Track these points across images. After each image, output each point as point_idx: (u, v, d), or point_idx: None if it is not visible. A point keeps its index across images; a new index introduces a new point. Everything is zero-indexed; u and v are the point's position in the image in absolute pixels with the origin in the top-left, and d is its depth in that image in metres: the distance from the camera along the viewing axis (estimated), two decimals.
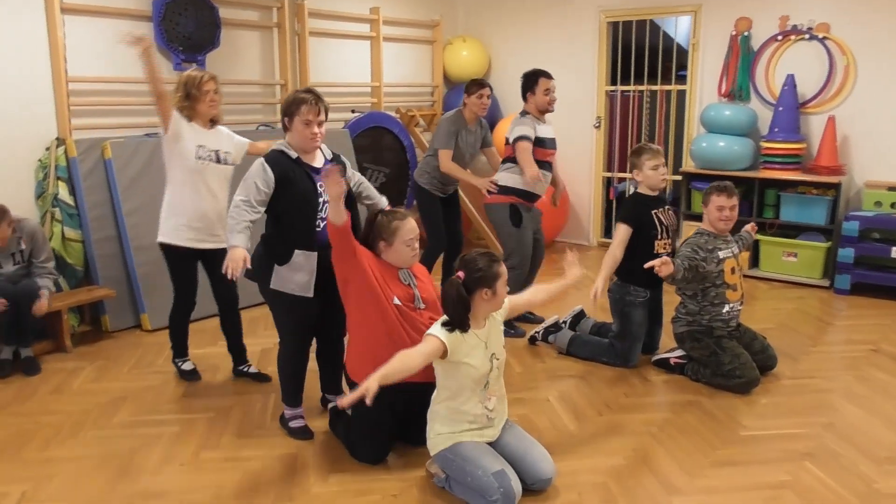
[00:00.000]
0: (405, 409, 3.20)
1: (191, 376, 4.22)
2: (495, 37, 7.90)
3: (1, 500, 2.96)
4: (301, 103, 3.25)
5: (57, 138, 4.96)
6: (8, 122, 4.75)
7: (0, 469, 3.21)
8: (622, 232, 4.24)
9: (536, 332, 4.69)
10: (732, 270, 4.03)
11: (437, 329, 2.87)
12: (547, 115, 4.90)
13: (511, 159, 4.71)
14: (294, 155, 3.30)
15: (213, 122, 4.03)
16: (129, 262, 5.05)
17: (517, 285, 4.73)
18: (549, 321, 4.69)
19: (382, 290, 3.13)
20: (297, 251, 3.29)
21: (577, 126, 7.50)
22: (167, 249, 4.04)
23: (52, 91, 4.92)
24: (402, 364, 2.76)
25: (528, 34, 7.69)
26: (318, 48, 6.59)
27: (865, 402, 3.83)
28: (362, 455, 3.24)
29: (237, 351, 4.27)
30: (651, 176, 4.27)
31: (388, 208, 3.45)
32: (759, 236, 6.25)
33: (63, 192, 4.91)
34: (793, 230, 6.19)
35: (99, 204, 5.00)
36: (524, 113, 4.79)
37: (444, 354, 2.84)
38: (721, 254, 3.99)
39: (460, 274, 2.87)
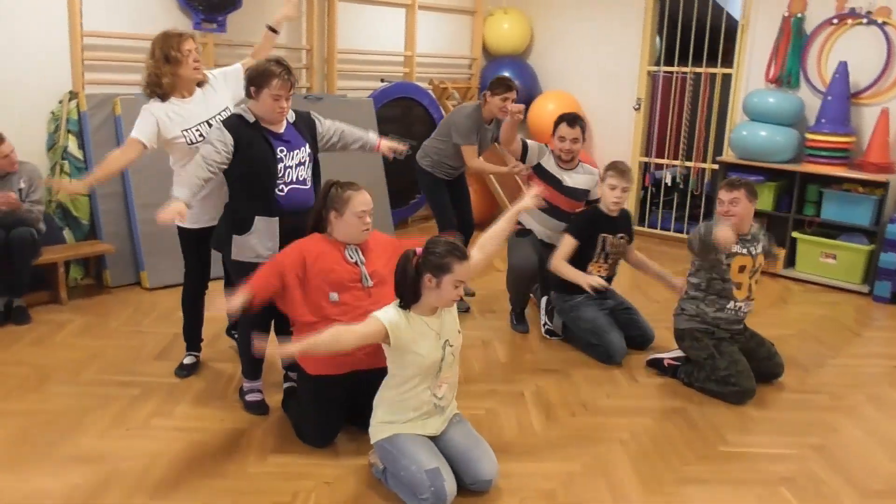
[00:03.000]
0: (358, 392, 3.06)
1: (184, 371, 3.79)
2: (539, 10, 7.58)
3: None
4: (272, 76, 3.13)
5: (70, 91, 4.96)
6: (24, 73, 4.76)
7: None
8: (566, 243, 4.10)
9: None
10: (741, 269, 3.74)
11: (384, 311, 2.71)
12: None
13: None
14: (252, 119, 3.21)
15: (199, 86, 3.56)
16: (133, 219, 5.04)
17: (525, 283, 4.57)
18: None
19: (316, 292, 3.01)
20: (257, 217, 3.20)
21: (616, 107, 7.16)
22: (179, 231, 3.68)
23: (69, 44, 4.91)
24: (334, 339, 2.64)
25: (573, 8, 7.35)
26: (349, 14, 6.43)
27: (870, 424, 3.50)
28: (307, 437, 3.13)
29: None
30: (606, 194, 4.10)
31: (346, 182, 3.31)
32: (796, 234, 5.86)
33: (72, 146, 4.92)
34: (834, 230, 5.76)
35: None
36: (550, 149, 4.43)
37: (385, 339, 2.67)
38: (735, 248, 3.69)
39: (419, 250, 2.69)
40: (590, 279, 3.97)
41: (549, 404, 3.57)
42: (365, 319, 2.75)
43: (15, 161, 4.33)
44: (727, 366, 3.62)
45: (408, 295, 2.70)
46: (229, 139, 3.13)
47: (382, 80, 6.68)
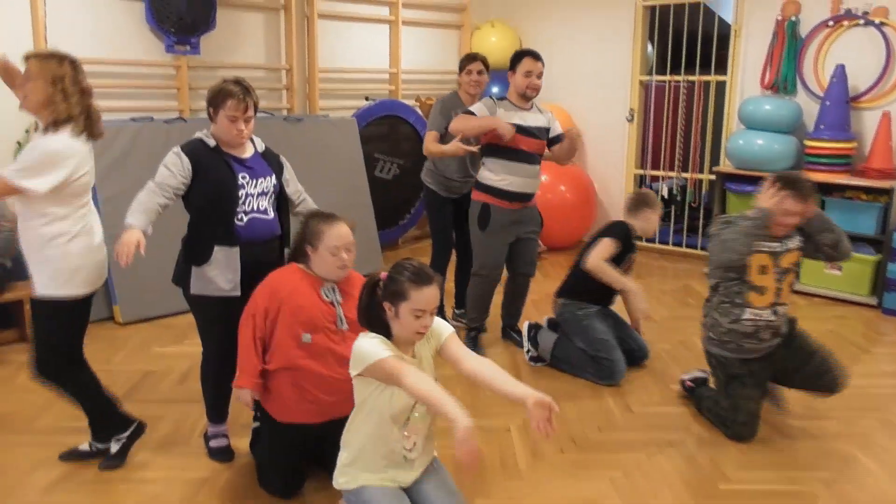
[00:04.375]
0: (328, 436, 2.83)
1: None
2: (527, 22, 7.40)
3: None
4: (227, 97, 2.92)
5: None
6: None
7: None
8: (608, 246, 3.94)
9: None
10: (763, 269, 3.24)
11: (368, 338, 2.35)
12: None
13: (488, 151, 4.18)
14: (212, 143, 3.00)
15: None
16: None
17: (484, 294, 4.34)
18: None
19: (286, 332, 2.78)
20: (216, 247, 2.97)
21: (608, 118, 6.95)
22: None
23: None
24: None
25: (561, 20, 7.16)
26: (330, 31, 6.25)
27: (885, 455, 3.24)
28: (269, 485, 2.89)
29: None
30: (648, 229, 4.17)
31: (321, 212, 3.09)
32: None
33: None
34: None
35: None
36: (499, 97, 4.18)
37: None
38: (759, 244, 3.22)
39: (383, 274, 2.40)
40: (633, 286, 3.86)
41: (536, 440, 3.33)
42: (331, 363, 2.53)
43: None
44: (728, 409, 3.36)
45: (374, 326, 2.42)
46: (187, 163, 2.93)
47: (367, 98, 6.49)
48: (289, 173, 3.21)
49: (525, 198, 4.19)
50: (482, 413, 3.59)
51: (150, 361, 4.22)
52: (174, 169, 2.93)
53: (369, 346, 2.29)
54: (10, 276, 4.35)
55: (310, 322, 2.77)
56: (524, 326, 4.31)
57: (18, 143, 4.73)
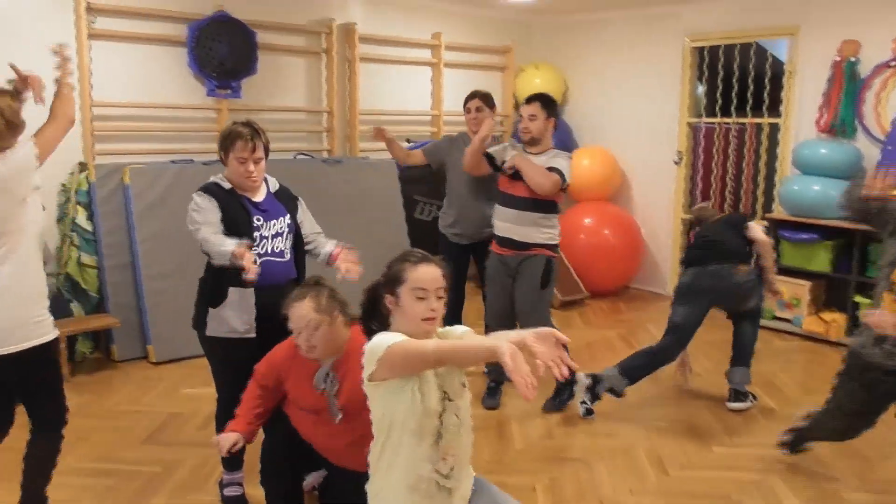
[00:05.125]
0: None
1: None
2: (572, 63, 7.31)
3: None
4: (236, 138, 2.91)
5: (80, 163, 4.87)
6: None
7: None
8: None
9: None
10: None
11: (384, 335, 2.03)
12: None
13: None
14: (227, 186, 2.98)
15: None
16: (140, 291, 4.86)
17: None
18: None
19: (293, 405, 2.71)
20: (231, 289, 2.92)
21: (656, 161, 6.77)
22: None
23: (79, 116, 4.84)
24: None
25: (607, 61, 7.06)
26: (371, 74, 6.27)
27: None
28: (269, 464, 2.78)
29: None
30: None
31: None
32: (859, 298, 5.31)
33: (81, 217, 4.80)
34: None
35: (115, 230, 4.86)
36: (518, 141, 4.18)
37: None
38: None
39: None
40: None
41: (562, 501, 3.14)
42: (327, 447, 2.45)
43: None
44: (829, 411, 3.13)
45: (368, 327, 2.17)
46: (212, 200, 2.92)
47: (407, 140, 6.46)
48: (303, 213, 3.16)
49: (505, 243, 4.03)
50: (508, 470, 3.43)
51: (178, 403, 4.19)
52: (207, 205, 2.91)
53: (379, 338, 2.01)
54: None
55: (308, 406, 2.66)
56: (581, 377, 4.08)
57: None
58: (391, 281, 2.10)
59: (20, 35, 4.49)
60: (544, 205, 3.92)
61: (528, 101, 4.00)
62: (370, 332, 2.09)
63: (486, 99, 4.47)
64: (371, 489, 2.16)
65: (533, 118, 3.94)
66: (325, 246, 3.16)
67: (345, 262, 3.05)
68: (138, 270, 4.86)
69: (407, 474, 2.06)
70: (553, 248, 4.01)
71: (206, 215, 2.89)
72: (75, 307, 4.81)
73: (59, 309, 4.56)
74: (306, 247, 3.16)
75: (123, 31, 4.95)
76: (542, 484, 3.29)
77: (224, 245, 2.79)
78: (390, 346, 1.94)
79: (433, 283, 2.07)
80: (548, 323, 3.89)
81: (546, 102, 3.95)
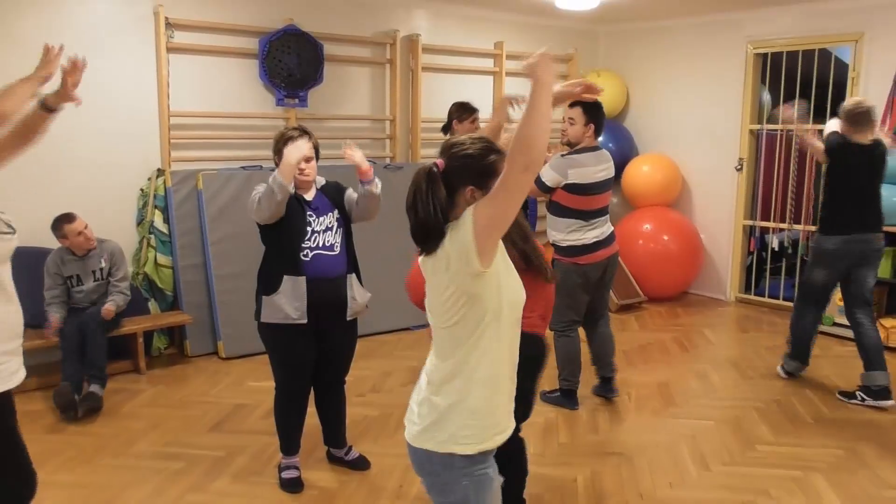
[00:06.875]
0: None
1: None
2: (634, 71, 7.36)
3: None
4: (287, 140, 3.15)
5: (158, 169, 5.21)
6: (118, 152, 5.05)
7: None
8: None
9: None
10: None
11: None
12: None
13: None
14: None
15: None
16: (212, 290, 5.17)
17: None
18: None
19: None
20: (285, 277, 3.15)
21: (717, 168, 6.75)
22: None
23: (158, 125, 5.19)
24: None
25: (669, 68, 7.07)
26: (433, 82, 6.47)
27: None
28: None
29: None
30: None
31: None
32: None
33: (158, 221, 5.15)
34: None
35: (188, 232, 5.18)
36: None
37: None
38: None
39: (439, 162, 1.90)
40: None
41: (602, 493, 3.24)
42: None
43: (91, 238, 4.44)
44: None
45: (429, 235, 1.85)
46: None
47: None
48: (350, 192, 3.36)
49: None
50: (552, 462, 3.54)
51: (244, 395, 4.45)
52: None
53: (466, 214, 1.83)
54: (129, 311, 4.71)
55: None
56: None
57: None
58: (480, 172, 1.87)
59: (103, 49, 4.85)
60: (549, 206, 4.18)
61: (572, 105, 4.10)
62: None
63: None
64: (441, 404, 1.91)
65: (572, 122, 4.10)
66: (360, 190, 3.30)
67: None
68: (210, 270, 5.17)
69: (502, 381, 1.94)
70: (561, 251, 4.11)
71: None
72: (152, 305, 5.15)
73: (137, 306, 4.94)
74: (359, 205, 3.30)
75: (199, 45, 5.28)
76: (582, 476, 3.39)
77: (272, 177, 3.00)
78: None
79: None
80: (555, 326, 4.06)
81: (587, 108, 4.04)
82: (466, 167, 1.88)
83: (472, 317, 1.85)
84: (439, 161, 1.89)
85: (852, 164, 4.25)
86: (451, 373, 1.88)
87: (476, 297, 1.83)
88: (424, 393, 1.94)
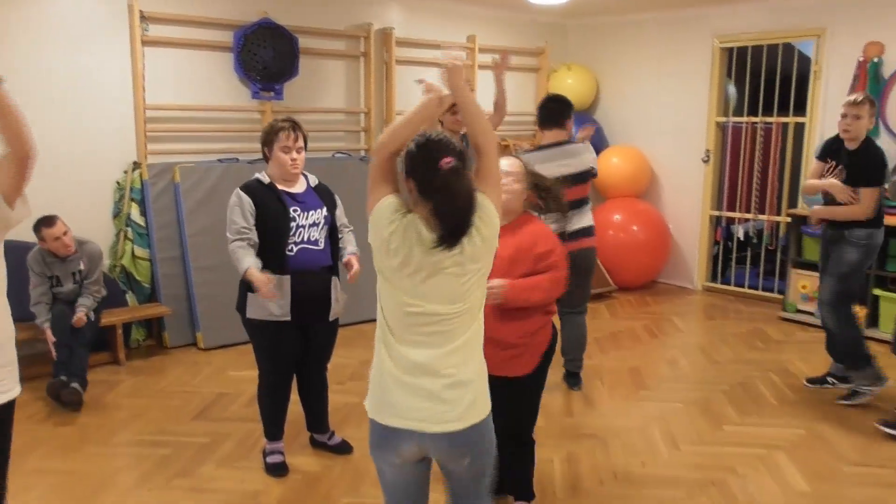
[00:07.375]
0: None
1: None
2: (604, 64, 7.50)
3: None
4: (279, 130, 3.21)
5: (133, 162, 5.23)
6: (92, 146, 5.05)
7: None
8: None
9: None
10: None
11: None
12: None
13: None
14: (267, 180, 3.27)
15: None
16: (189, 281, 5.21)
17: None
18: None
19: None
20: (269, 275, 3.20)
21: (685, 160, 6.93)
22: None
23: (133, 118, 5.20)
24: None
25: (638, 61, 7.23)
26: (407, 75, 6.55)
27: None
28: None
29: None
30: None
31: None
32: (879, 292, 5.42)
33: (135, 213, 5.17)
34: None
35: (166, 225, 5.21)
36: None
37: None
38: None
39: (448, 160, 1.94)
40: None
41: (577, 474, 3.38)
42: None
43: (70, 244, 4.38)
44: None
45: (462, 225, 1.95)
46: (247, 200, 3.20)
47: None
48: (340, 210, 3.45)
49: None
50: None
51: (225, 384, 4.51)
52: (238, 209, 3.20)
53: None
54: (107, 304, 4.73)
55: None
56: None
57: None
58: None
59: (78, 43, 4.88)
60: None
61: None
62: None
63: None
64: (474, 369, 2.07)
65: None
66: (347, 246, 3.42)
67: (353, 270, 3.32)
68: (188, 262, 5.21)
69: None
70: None
71: (234, 214, 3.18)
72: (129, 297, 5.18)
73: (115, 299, 4.96)
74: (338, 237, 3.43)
75: (174, 38, 5.29)
76: (559, 457, 3.53)
77: (243, 261, 3.10)
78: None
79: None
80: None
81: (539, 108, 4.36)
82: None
83: (482, 287, 2.04)
84: (450, 159, 1.94)
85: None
86: (465, 348, 2.01)
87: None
88: (441, 383, 1.97)
